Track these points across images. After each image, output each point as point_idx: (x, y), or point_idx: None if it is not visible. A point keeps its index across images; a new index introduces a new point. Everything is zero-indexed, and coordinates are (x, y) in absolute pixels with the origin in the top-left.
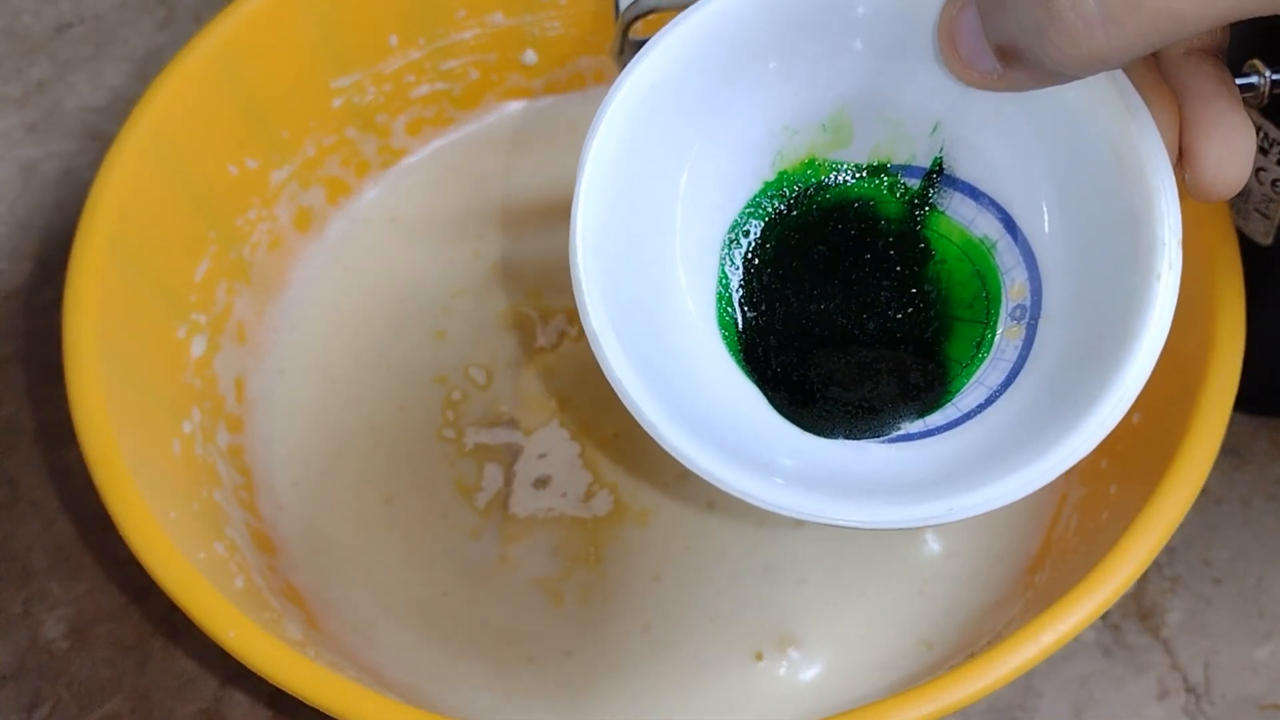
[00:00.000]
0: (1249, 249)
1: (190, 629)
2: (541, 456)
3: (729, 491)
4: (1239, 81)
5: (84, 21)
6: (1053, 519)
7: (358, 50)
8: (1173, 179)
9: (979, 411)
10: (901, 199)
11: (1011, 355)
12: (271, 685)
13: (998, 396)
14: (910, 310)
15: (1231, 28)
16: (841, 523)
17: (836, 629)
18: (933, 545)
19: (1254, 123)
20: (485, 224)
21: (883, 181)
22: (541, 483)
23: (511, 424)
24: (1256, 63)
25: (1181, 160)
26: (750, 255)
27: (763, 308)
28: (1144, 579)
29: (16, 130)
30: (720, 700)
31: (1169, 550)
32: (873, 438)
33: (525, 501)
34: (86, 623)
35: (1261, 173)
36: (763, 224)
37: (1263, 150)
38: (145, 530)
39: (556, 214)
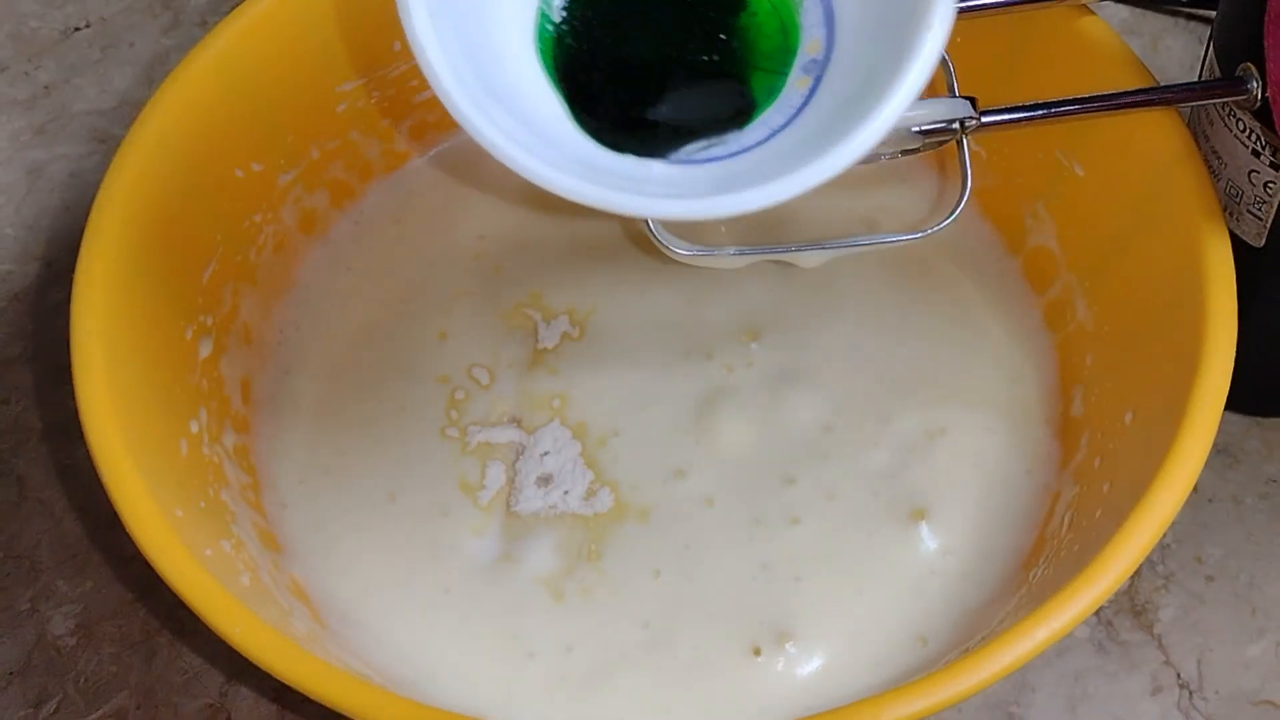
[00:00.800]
0: (1241, 250)
1: (196, 625)
2: (544, 455)
3: (507, 162)
4: (1232, 85)
5: (90, 25)
6: (1046, 516)
7: (362, 55)
8: None
9: (757, 146)
10: None
11: (796, 101)
12: (277, 681)
13: (777, 134)
14: (717, 57)
15: (1228, 30)
16: (602, 204)
17: (833, 625)
18: (929, 542)
19: (1246, 126)
20: (487, 226)
21: None
22: (544, 481)
23: (514, 423)
24: (1250, 66)
25: None
26: None
27: (580, 30)
28: (1137, 576)
29: (24, 133)
30: (719, 695)
31: (1162, 548)
32: (657, 157)
33: (528, 499)
34: (93, 619)
35: (1254, 174)
36: None
37: (1255, 153)
38: (152, 528)
39: (558, 216)
